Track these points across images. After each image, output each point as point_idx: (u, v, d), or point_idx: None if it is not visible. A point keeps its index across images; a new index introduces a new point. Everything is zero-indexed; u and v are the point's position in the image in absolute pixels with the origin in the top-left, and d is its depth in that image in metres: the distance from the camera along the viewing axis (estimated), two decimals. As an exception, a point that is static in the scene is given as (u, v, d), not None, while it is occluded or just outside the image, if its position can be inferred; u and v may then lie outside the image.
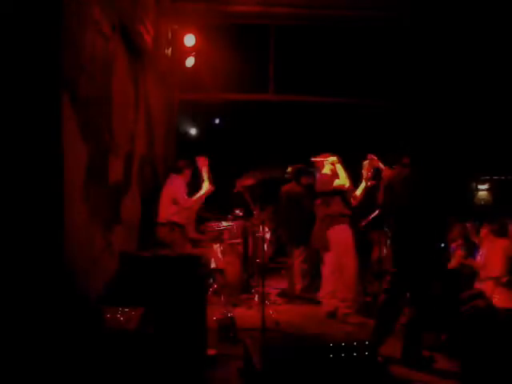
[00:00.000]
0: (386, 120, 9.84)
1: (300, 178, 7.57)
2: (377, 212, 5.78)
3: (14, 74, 3.37)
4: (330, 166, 6.30)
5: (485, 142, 10.68)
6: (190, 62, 8.46)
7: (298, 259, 7.48)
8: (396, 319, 4.78)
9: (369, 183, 6.10)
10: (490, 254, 5.58)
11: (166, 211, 6.52)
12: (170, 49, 8.66)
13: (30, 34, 3.48)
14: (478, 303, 4.87)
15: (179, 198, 6.46)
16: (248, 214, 7.34)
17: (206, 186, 6.64)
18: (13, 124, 3.35)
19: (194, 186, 7.05)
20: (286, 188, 7.69)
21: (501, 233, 5.66)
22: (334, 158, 6.31)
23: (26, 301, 3.28)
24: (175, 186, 6.58)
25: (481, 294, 5.14)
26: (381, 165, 5.77)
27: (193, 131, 12.03)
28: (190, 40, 8.26)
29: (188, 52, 8.37)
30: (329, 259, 6.26)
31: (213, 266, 7.18)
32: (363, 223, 6.46)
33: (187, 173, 6.76)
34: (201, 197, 6.66)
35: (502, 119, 9.87)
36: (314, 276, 7.97)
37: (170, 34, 8.61)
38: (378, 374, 3.20)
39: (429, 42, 8.92)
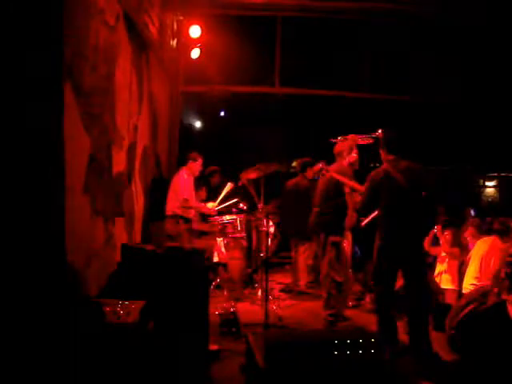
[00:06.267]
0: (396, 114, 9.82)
1: (306, 172, 7.49)
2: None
3: (15, 60, 3.31)
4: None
5: (493, 138, 10.62)
6: (195, 53, 8.40)
7: (303, 254, 7.42)
8: (393, 310, 4.79)
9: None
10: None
11: (172, 203, 6.52)
12: (175, 40, 8.60)
13: (32, 20, 3.42)
14: (486, 301, 4.85)
15: (176, 189, 6.50)
16: (252, 208, 7.29)
17: (210, 205, 6.88)
18: (13, 112, 3.28)
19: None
20: (292, 182, 7.62)
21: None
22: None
23: (26, 294, 3.23)
24: (177, 177, 6.59)
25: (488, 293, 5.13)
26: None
27: (198, 124, 11.98)
28: (195, 31, 8.21)
29: (193, 43, 8.32)
30: None
31: (216, 259, 7.15)
32: (364, 222, 6.36)
33: (191, 164, 6.75)
34: (197, 208, 6.75)
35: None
36: (318, 272, 7.93)
37: (175, 25, 8.55)
38: (384, 372, 3.14)
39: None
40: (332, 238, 5.56)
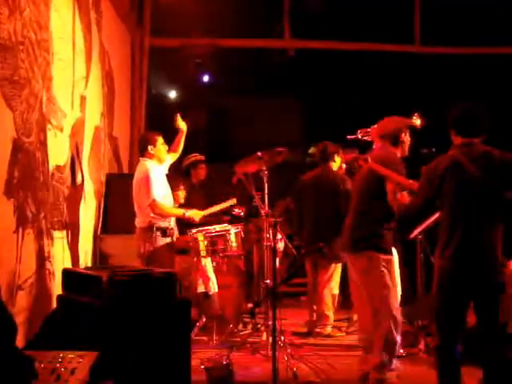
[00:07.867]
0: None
1: (330, 161, 7.44)
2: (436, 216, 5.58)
3: None
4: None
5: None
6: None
7: (326, 280, 7.39)
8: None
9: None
10: None
11: (144, 210, 6.44)
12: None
13: None
14: None
15: (142, 190, 6.40)
16: (252, 214, 7.23)
17: (194, 214, 6.76)
18: None
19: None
20: (310, 176, 7.58)
21: None
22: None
23: None
24: (140, 172, 6.51)
25: None
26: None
27: (172, 94, 11.97)
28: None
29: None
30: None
31: (200, 289, 7.10)
32: (414, 233, 6.31)
33: (153, 152, 6.64)
34: (174, 214, 6.72)
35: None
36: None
37: None
38: None
39: None
40: (383, 257, 5.41)
